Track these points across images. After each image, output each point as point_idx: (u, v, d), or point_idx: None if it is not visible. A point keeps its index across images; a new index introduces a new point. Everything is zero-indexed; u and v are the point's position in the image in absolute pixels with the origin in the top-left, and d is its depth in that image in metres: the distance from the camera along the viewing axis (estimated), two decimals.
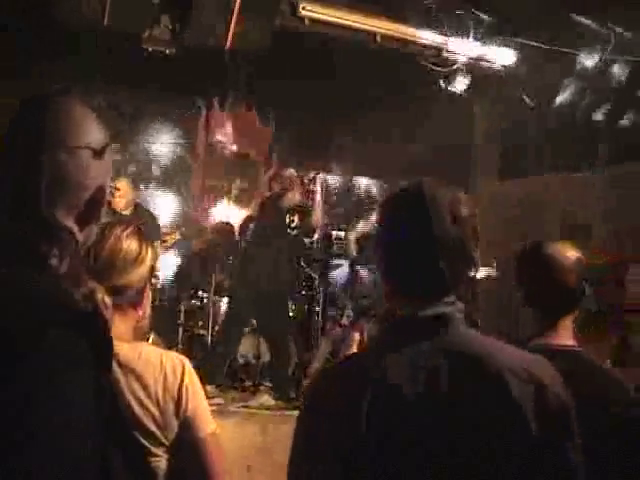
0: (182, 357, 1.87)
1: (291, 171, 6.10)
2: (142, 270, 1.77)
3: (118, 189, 5.76)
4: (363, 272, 6.10)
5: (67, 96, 1.16)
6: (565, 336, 1.95)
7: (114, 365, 1.58)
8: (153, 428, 1.72)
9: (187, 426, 1.77)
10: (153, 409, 1.72)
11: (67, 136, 1.12)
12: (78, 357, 0.99)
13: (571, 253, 2.01)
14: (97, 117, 1.18)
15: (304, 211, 6.28)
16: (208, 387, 5.56)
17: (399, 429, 1.23)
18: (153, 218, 6.24)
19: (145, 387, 1.73)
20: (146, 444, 1.70)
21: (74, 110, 1.15)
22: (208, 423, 1.81)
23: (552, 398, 1.23)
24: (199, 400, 1.81)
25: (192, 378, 1.81)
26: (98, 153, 1.15)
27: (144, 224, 5.76)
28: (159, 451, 1.73)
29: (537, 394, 1.22)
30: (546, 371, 1.27)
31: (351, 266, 6.26)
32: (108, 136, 1.18)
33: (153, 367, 1.75)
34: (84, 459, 0.98)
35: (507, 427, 1.20)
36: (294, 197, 5.97)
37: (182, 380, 1.78)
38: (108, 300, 1.73)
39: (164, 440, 1.72)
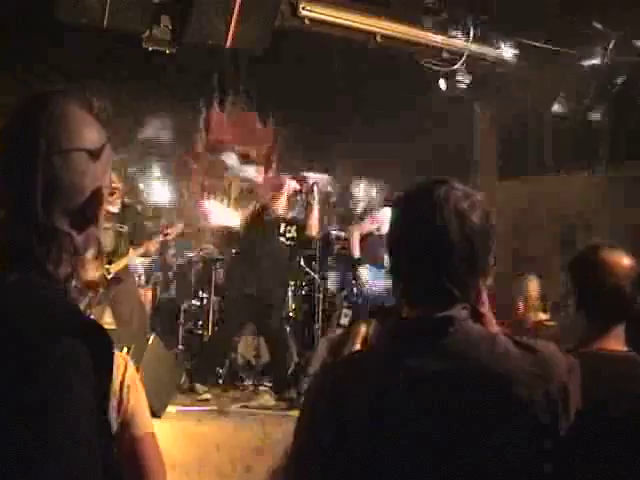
0: (125, 356, 1.88)
1: (286, 180, 6.06)
2: None
3: (117, 188, 5.75)
4: (363, 271, 6.06)
5: (63, 97, 1.15)
6: (616, 343, 1.92)
7: None
8: None
9: (126, 424, 1.78)
10: None
11: (62, 139, 1.10)
12: (85, 366, 0.98)
13: (626, 260, 1.97)
14: (95, 117, 1.16)
15: (298, 224, 6.17)
16: (198, 385, 5.58)
17: (414, 428, 1.22)
18: (140, 218, 6.28)
19: None
20: None
21: (69, 111, 1.13)
22: (147, 423, 1.82)
23: (559, 394, 1.22)
24: (140, 400, 1.82)
25: (133, 378, 1.83)
26: (94, 155, 1.13)
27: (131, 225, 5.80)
28: None
29: (544, 392, 1.21)
30: (555, 368, 1.25)
31: (352, 266, 6.22)
32: (105, 136, 1.17)
33: None
34: (90, 465, 0.97)
35: (513, 428, 1.19)
36: (278, 208, 5.92)
37: (123, 379, 1.80)
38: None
39: None
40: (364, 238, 6.13)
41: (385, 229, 5.90)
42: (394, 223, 1.39)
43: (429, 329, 1.28)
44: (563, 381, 1.23)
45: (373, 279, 5.96)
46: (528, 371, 1.22)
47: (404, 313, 1.36)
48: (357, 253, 6.01)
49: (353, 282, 6.12)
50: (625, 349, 1.93)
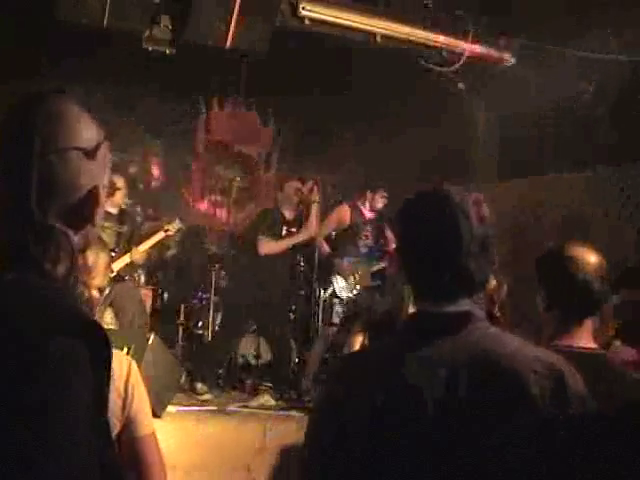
0: (129, 357, 1.88)
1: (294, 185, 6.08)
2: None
3: (119, 188, 5.76)
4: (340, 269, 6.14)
5: (58, 96, 1.14)
6: (586, 338, 1.93)
7: None
8: None
9: (129, 425, 1.77)
10: None
11: (57, 137, 1.10)
12: (85, 366, 0.98)
13: (594, 256, 1.99)
14: (91, 116, 1.16)
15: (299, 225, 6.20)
16: (198, 384, 5.58)
17: (415, 428, 1.23)
18: (139, 219, 6.28)
19: None
20: None
21: (65, 110, 1.12)
22: (149, 423, 1.81)
23: (572, 396, 1.22)
24: (143, 401, 1.82)
25: (137, 378, 1.82)
26: (90, 154, 1.13)
27: (128, 229, 5.81)
28: None
29: (557, 392, 1.21)
30: (566, 369, 1.26)
31: (329, 265, 6.28)
32: (102, 136, 1.16)
33: None
34: (90, 465, 0.97)
35: (526, 424, 1.19)
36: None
37: (128, 379, 1.80)
38: (96, 294, 1.76)
39: None
40: (328, 237, 6.29)
41: (344, 223, 6.10)
42: (403, 225, 1.42)
43: (445, 324, 1.30)
44: (568, 381, 1.24)
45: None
46: (535, 371, 1.23)
47: (414, 309, 1.38)
48: (327, 249, 6.18)
49: (331, 280, 6.18)
50: (593, 346, 1.94)
